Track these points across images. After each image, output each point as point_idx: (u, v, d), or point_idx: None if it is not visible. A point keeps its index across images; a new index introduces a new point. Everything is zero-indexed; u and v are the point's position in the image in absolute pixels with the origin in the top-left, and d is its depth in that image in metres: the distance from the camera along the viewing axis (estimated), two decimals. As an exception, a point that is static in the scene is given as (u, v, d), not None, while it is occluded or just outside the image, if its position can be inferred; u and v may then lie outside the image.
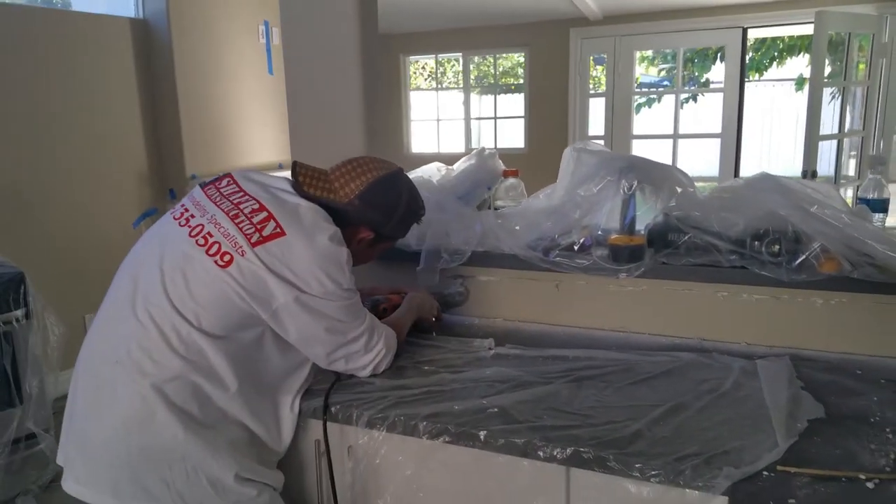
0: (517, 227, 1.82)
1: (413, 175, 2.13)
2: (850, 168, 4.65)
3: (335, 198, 1.44)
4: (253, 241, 1.29)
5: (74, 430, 1.30)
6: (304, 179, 1.44)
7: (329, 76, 2.06)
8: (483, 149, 2.10)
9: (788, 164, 9.38)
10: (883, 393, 1.37)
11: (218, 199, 1.38)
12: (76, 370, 1.33)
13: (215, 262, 1.28)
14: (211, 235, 1.31)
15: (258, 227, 1.31)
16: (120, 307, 1.32)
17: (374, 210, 1.48)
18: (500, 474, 1.29)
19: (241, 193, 1.38)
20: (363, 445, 1.41)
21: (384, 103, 2.13)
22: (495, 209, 2.02)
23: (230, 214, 1.33)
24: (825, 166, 4.70)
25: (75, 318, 3.38)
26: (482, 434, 1.27)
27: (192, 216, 1.36)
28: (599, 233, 1.78)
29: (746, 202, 1.64)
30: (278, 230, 1.31)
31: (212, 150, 3.95)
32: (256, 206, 1.35)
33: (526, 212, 1.85)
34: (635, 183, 1.70)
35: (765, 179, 1.67)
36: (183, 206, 1.41)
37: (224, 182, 1.43)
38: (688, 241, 1.67)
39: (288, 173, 1.49)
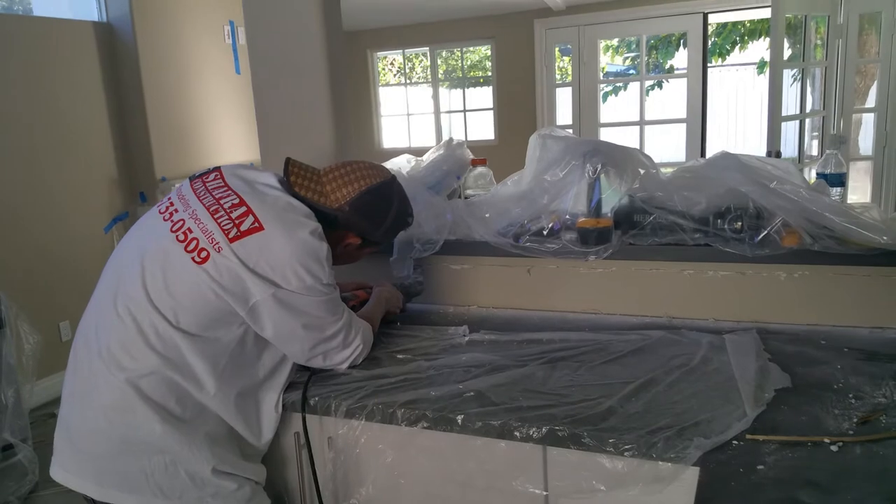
0: (487, 215, 1.84)
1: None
2: (814, 148, 4.74)
3: (325, 202, 1.43)
4: (230, 236, 1.28)
5: (62, 418, 1.31)
6: (296, 179, 1.43)
7: (295, 74, 2.05)
8: (451, 139, 2.11)
9: (755, 146, 9.54)
10: (846, 360, 1.42)
11: (202, 193, 1.37)
12: (69, 360, 1.34)
13: (192, 258, 1.27)
14: (190, 231, 1.30)
15: (236, 222, 1.30)
16: (103, 301, 1.33)
17: (364, 218, 1.47)
18: (479, 456, 1.31)
19: (225, 188, 1.37)
20: (343, 436, 1.42)
21: (352, 100, 2.13)
22: (465, 198, 2.03)
23: (210, 209, 1.33)
24: (790, 147, 4.79)
25: (49, 325, 3.34)
26: (459, 418, 1.29)
27: (176, 210, 1.35)
28: (567, 217, 1.80)
29: (708, 181, 1.67)
30: (256, 225, 1.30)
31: (181, 151, 3.92)
32: (237, 201, 1.33)
33: (495, 199, 1.87)
34: (599, 166, 1.72)
35: (725, 158, 1.71)
36: (169, 199, 1.41)
37: (211, 176, 1.42)
38: (653, 221, 1.71)
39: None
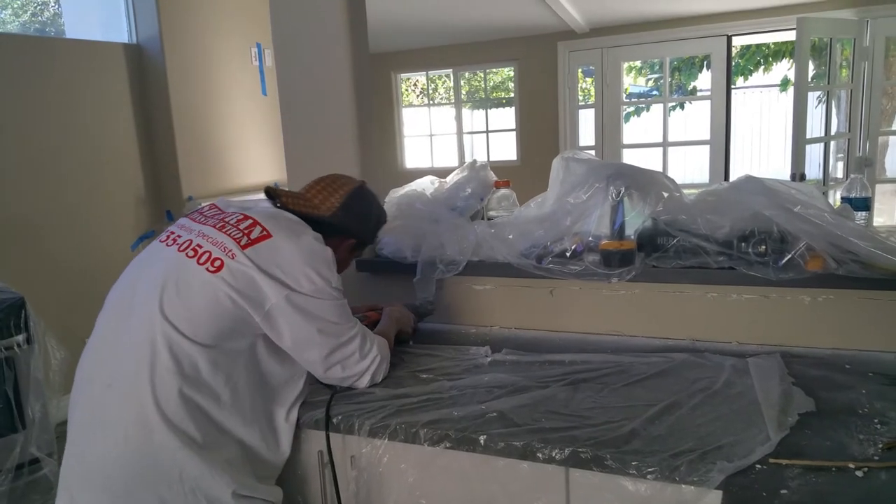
0: (510, 236, 1.86)
1: (407, 188, 2.17)
2: (839, 170, 4.71)
3: (319, 212, 1.54)
4: (242, 244, 1.33)
5: (69, 454, 1.30)
6: (287, 200, 1.53)
7: (322, 96, 2.10)
8: (475, 161, 2.14)
9: (778, 168, 9.46)
10: (871, 385, 1.41)
11: (203, 219, 1.44)
12: (72, 395, 1.34)
13: (206, 269, 1.31)
14: (200, 247, 1.34)
15: (245, 231, 1.36)
16: (111, 330, 1.34)
17: (355, 219, 1.59)
18: (502, 477, 1.32)
19: (225, 212, 1.45)
20: (366, 454, 1.44)
21: (376, 121, 2.18)
22: (488, 219, 2.05)
23: (216, 226, 1.39)
24: (814, 169, 4.76)
25: (75, 341, 3.37)
26: (482, 438, 1.30)
27: (179, 236, 1.40)
28: (590, 239, 1.81)
29: (732, 204, 1.68)
30: (265, 233, 1.36)
31: (208, 171, 3.99)
32: (241, 216, 1.41)
33: (518, 221, 1.89)
34: (623, 189, 1.74)
35: (749, 181, 1.71)
36: (169, 231, 1.45)
37: (206, 207, 1.50)
38: (676, 244, 1.71)
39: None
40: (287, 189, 1.60)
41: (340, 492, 1.45)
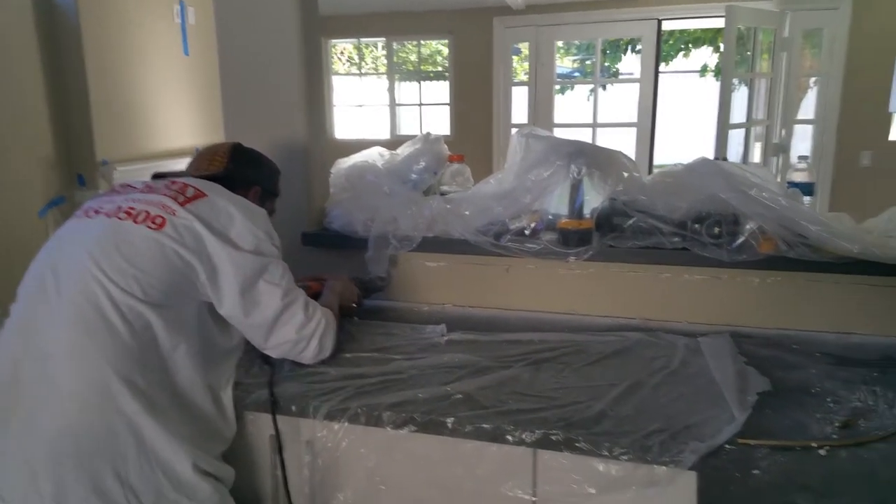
0: (467, 212, 1.82)
1: (355, 159, 2.09)
2: (756, 155, 4.92)
3: (212, 171, 1.51)
4: (179, 201, 1.30)
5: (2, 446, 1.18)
6: (182, 173, 1.50)
7: (266, 56, 1.97)
8: (428, 133, 2.08)
9: (695, 151, 9.83)
10: (819, 365, 1.46)
11: (123, 192, 1.37)
12: None
13: (147, 226, 1.26)
14: (133, 209, 1.29)
15: (179, 191, 1.33)
16: (40, 301, 1.23)
17: (248, 166, 1.58)
18: (468, 461, 1.29)
19: (144, 184, 1.39)
20: (322, 439, 1.38)
21: (321, 85, 2.07)
22: (441, 194, 2.00)
23: (145, 191, 1.34)
24: (732, 154, 4.96)
25: (-23, 313, 3.12)
26: (450, 421, 1.27)
27: (101, 208, 1.32)
28: (550, 217, 1.80)
29: (689, 186, 1.70)
30: (199, 192, 1.33)
31: (124, 133, 3.72)
32: (168, 182, 1.36)
33: (476, 197, 1.85)
34: (584, 168, 1.72)
35: (705, 164, 1.74)
36: (85, 209, 1.35)
37: (118, 186, 1.42)
38: (633, 224, 1.72)
39: None
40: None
41: (293, 478, 1.39)
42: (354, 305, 1.82)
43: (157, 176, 1.48)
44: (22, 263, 1.31)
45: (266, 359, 1.53)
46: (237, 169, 1.54)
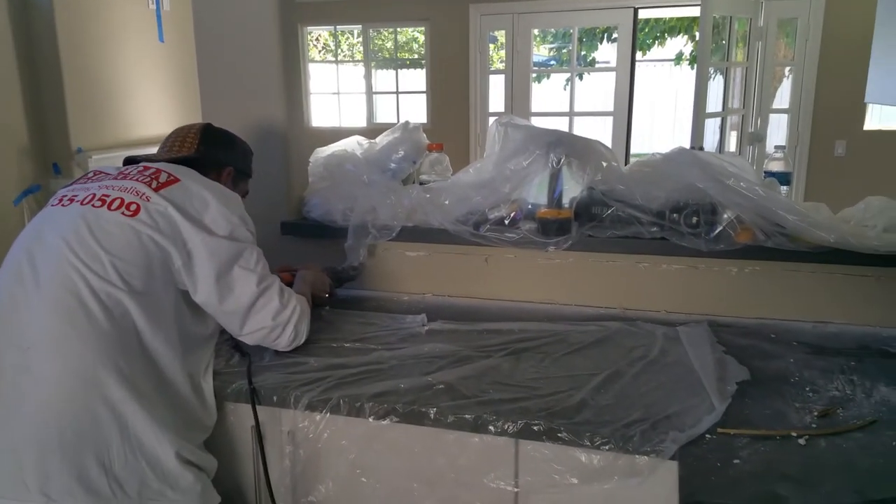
0: (446, 202, 1.81)
1: (334, 148, 2.06)
2: (732, 145, 4.96)
3: (184, 154, 1.48)
4: (153, 187, 1.29)
5: None
6: (152, 156, 1.47)
7: (245, 43, 1.93)
8: (407, 122, 2.06)
9: (670, 140, 9.91)
10: (796, 354, 1.48)
11: (97, 179, 1.35)
12: None
13: (122, 213, 1.25)
14: (108, 196, 1.28)
15: (152, 177, 1.31)
16: (18, 291, 1.21)
17: (220, 147, 1.54)
18: (450, 451, 1.29)
19: (117, 171, 1.37)
20: (304, 429, 1.36)
21: (299, 73, 2.04)
22: (420, 183, 1.99)
23: (119, 178, 1.32)
24: (708, 143, 5.00)
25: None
26: (432, 412, 1.26)
27: (76, 195, 1.31)
28: (529, 206, 1.79)
29: (667, 176, 1.70)
30: (172, 177, 1.32)
31: (99, 120, 3.64)
32: (141, 168, 1.35)
33: (455, 186, 1.84)
34: (563, 157, 1.72)
35: (682, 153, 1.74)
36: (60, 196, 1.34)
37: (90, 174, 1.40)
38: (612, 214, 1.72)
39: None
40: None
41: (274, 469, 1.38)
42: (326, 296, 1.81)
43: (129, 160, 1.46)
44: None
45: (238, 347, 1.51)
46: (208, 151, 1.51)
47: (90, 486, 1.13)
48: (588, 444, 1.17)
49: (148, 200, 1.26)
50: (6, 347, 1.18)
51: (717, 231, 1.64)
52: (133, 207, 1.25)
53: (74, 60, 3.49)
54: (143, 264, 1.23)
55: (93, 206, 1.26)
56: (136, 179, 1.30)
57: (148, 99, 4.03)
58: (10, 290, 1.22)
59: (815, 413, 1.21)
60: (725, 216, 1.64)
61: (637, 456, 1.15)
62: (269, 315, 1.39)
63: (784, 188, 1.76)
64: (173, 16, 4.15)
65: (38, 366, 1.16)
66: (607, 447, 1.16)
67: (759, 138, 4.90)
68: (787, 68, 5.18)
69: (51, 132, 3.44)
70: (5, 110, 3.28)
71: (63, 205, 1.29)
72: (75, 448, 1.13)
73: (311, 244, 1.97)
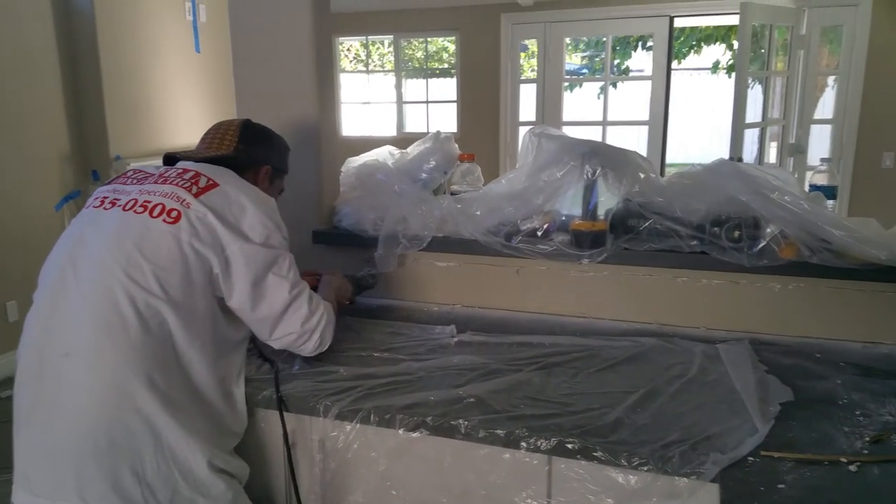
0: (478, 212, 1.78)
1: (365, 158, 2.06)
2: (772, 156, 4.85)
3: (223, 152, 1.47)
4: (193, 192, 1.28)
5: (23, 436, 1.19)
6: (191, 153, 1.47)
7: (281, 54, 1.94)
8: (439, 132, 2.04)
9: (707, 150, 9.76)
10: (844, 375, 1.42)
11: (136, 180, 1.35)
12: (18, 375, 1.21)
13: (163, 220, 1.24)
14: (149, 202, 1.27)
15: (192, 181, 1.30)
16: (56, 301, 1.22)
17: (258, 145, 1.53)
18: (480, 466, 1.26)
19: (156, 172, 1.36)
20: (333, 439, 1.35)
21: (332, 83, 2.04)
22: (451, 194, 1.97)
23: (159, 182, 1.31)
24: (747, 154, 4.89)
25: (-1, 305, 3.11)
26: (463, 426, 1.23)
27: (117, 199, 1.30)
28: (563, 218, 1.76)
29: (707, 188, 1.65)
30: (211, 182, 1.31)
31: (137, 129, 3.72)
32: (181, 170, 1.34)
33: (487, 197, 1.81)
34: (598, 168, 1.68)
35: (724, 165, 1.69)
36: (101, 197, 1.33)
37: (129, 172, 1.40)
38: (649, 226, 1.68)
39: None
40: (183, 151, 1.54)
41: (302, 476, 1.37)
42: (348, 303, 1.80)
43: (169, 158, 1.46)
44: (38, 255, 1.32)
45: (264, 356, 1.52)
46: (247, 149, 1.50)
47: (124, 494, 1.14)
48: (625, 464, 1.13)
49: (188, 207, 1.26)
50: (48, 353, 1.19)
51: (759, 246, 1.59)
52: (174, 214, 1.25)
53: (114, 70, 3.58)
54: (183, 272, 1.22)
55: (135, 212, 1.26)
56: (176, 184, 1.29)
57: (184, 108, 4.10)
58: (53, 295, 1.23)
59: (867, 438, 1.15)
60: (769, 230, 1.58)
61: (676, 478, 1.11)
62: (299, 321, 1.38)
63: (830, 202, 1.69)
64: (209, 27, 4.22)
65: (75, 374, 1.16)
66: (645, 468, 1.12)
67: (799, 150, 4.79)
68: (831, 77, 5.05)
69: (90, 140, 3.52)
70: (49, 119, 3.37)
71: (105, 208, 1.29)
72: (109, 456, 1.14)
73: (342, 253, 1.96)
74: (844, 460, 1.08)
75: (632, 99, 6.60)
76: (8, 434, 1.22)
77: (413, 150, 2.04)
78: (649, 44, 6.13)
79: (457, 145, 2.06)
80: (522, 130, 5.79)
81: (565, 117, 5.99)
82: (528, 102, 5.98)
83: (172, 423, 1.17)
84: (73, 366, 1.16)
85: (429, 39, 6.91)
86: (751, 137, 4.63)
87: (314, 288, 1.64)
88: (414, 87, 6.83)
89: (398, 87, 6.56)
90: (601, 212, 1.73)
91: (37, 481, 1.16)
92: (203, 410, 1.24)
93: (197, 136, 1.55)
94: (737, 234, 1.60)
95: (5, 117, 3.26)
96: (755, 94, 4.81)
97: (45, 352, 1.19)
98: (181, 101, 4.08)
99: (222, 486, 1.22)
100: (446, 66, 6.73)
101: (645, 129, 5.72)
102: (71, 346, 1.17)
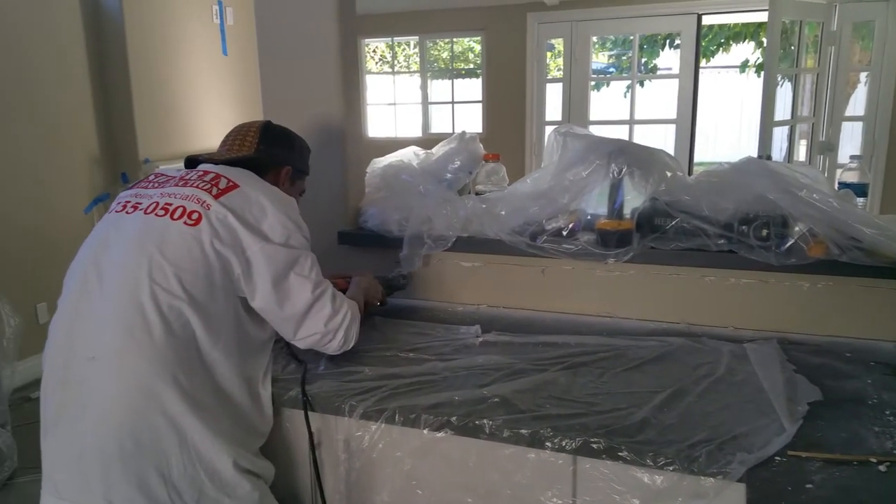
0: (503, 212, 1.79)
1: (390, 158, 2.07)
2: (801, 154, 4.77)
3: (244, 153, 1.49)
4: (214, 193, 1.29)
5: (51, 440, 1.21)
6: (212, 155, 1.48)
7: (307, 55, 1.96)
8: (463, 132, 2.05)
9: (735, 149, 9.62)
10: (874, 375, 1.39)
11: (157, 184, 1.37)
12: (45, 378, 1.23)
13: (184, 223, 1.25)
14: (170, 205, 1.28)
15: (212, 183, 1.32)
16: (81, 304, 1.24)
17: (279, 146, 1.54)
18: (505, 466, 1.26)
19: (177, 175, 1.38)
20: (359, 438, 1.36)
21: (358, 85, 2.06)
22: (476, 194, 1.97)
23: (180, 184, 1.33)
24: (776, 152, 4.82)
25: (27, 307, 3.20)
26: (487, 425, 1.24)
27: (139, 203, 1.32)
28: (588, 217, 1.75)
29: (735, 186, 1.64)
30: (232, 183, 1.32)
31: (165, 132, 3.79)
32: (201, 172, 1.35)
33: (511, 196, 1.82)
34: (625, 167, 1.68)
35: (751, 163, 1.68)
36: (123, 201, 1.35)
37: (152, 176, 1.42)
38: (676, 225, 1.66)
39: None
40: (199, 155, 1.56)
41: (327, 475, 1.39)
42: (378, 303, 1.81)
43: (190, 160, 1.47)
44: (67, 257, 1.34)
45: (294, 355, 1.54)
46: (268, 150, 1.51)
47: (150, 495, 1.15)
48: (651, 463, 1.13)
49: (208, 208, 1.27)
50: (72, 357, 1.21)
51: (788, 244, 1.57)
52: (195, 216, 1.26)
53: (143, 73, 3.64)
54: (205, 273, 1.23)
55: (156, 215, 1.27)
56: (197, 186, 1.31)
57: (211, 110, 4.16)
58: (77, 299, 1.25)
59: (897, 439, 1.13)
60: (797, 229, 1.56)
61: (703, 477, 1.10)
62: (322, 321, 1.39)
63: (860, 200, 1.67)
64: (236, 29, 4.28)
65: (99, 377, 1.17)
66: (671, 468, 1.11)
67: (829, 147, 4.70)
68: (863, 74, 4.95)
69: (120, 143, 3.59)
70: (79, 122, 3.44)
71: (127, 212, 1.31)
72: (135, 458, 1.15)
73: (368, 254, 1.98)
74: (874, 460, 1.06)
75: (659, 97, 6.54)
76: (38, 434, 1.24)
77: (438, 150, 2.05)
78: (677, 42, 6.07)
79: (481, 145, 2.07)
80: (548, 130, 5.77)
81: (592, 116, 5.96)
82: (554, 102, 5.96)
83: (198, 424, 1.18)
84: (98, 369, 1.17)
85: (454, 40, 6.92)
86: (780, 135, 4.55)
87: (344, 290, 1.67)
88: (439, 88, 6.84)
89: (423, 87, 6.58)
90: (627, 211, 1.72)
91: (63, 484, 1.18)
92: (228, 411, 1.25)
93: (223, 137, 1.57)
94: (765, 232, 1.59)
95: (37, 121, 3.34)
96: (784, 92, 4.73)
97: (70, 356, 1.21)
98: (209, 104, 4.15)
99: (248, 486, 1.23)
100: (472, 66, 6.74)
101: (672, 127, 5.66)
102: (96, 350, 1.19)
